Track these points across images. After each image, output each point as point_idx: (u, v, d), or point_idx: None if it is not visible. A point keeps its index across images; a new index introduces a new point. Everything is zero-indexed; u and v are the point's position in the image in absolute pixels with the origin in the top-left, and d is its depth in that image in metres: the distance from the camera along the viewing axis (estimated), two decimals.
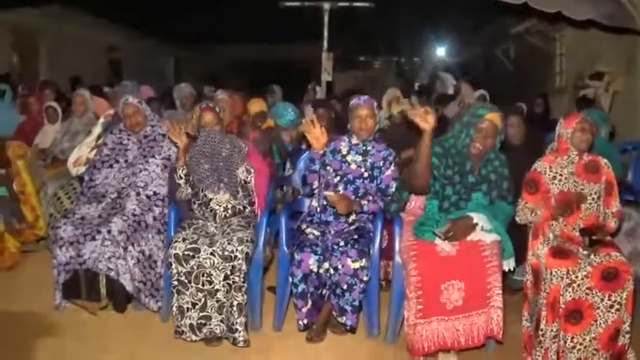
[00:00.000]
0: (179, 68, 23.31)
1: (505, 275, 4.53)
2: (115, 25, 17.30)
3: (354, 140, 5.12)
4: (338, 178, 5.05)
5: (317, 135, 5.03)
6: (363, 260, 4.55)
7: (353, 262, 4.52)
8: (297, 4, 11.91)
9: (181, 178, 5.09)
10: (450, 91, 12.12)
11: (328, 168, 5.09)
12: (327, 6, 11.44)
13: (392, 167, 5.04)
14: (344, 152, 5.11)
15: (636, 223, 5.70)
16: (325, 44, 11.52)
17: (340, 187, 5.01)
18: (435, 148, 4.62)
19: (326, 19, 11.53)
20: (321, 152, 5.06)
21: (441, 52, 21.56)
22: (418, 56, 22.52)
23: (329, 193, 4.81)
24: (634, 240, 5.64)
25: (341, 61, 19.07)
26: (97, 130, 6.50)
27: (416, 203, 4.98)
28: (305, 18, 12.64)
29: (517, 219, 4.80)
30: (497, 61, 17.62)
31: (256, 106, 7.54)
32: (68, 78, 12.68)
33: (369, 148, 5.10)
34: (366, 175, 5.03)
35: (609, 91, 11.51)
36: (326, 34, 11.59)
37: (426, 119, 4.39)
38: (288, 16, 12.90)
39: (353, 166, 5.05)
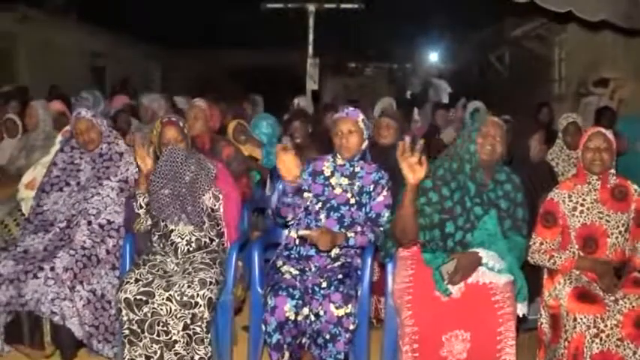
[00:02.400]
0: (167, 75, 22.74)
1: (518, 317, 3.83)
2: (99, 30, 16.78)
3: (339, 160, 4.42)
4: (320, 204, 4.34)
5: (288, 164, 4.22)
6: (349, 306, 3.83)
7: (337, 308, 3.81)
8: (279, 5, 11.29)
9: (141, 207, 4.37)
10: (445, 99, 11.61)
11: (306, 195, 4.37)
12: (312, 8, 10.81)
13: (384, 192, 4.31)
14: (327, 174, 4.42)
15: None
16: (310, 50, 10.88)
17: (322, 216, 4.31)
18: (423, 183, 3.90)
19: (311, 22, 10.92)
20: (296, 184, 4.28)
21: (434, 57, 21.11)
22: (411, 62, 22.05)
23: (305, 232, 4.08)
24: None
25: (331, 67, 18.56)
26: (56, 148, 5.82)
27: None
28: (295, 22, 12.19)
29: (530, 259, 4.15)
30: (491, 68, 17.14)
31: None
32: (49, 86, 12.09)
33: (358, 169, 4.40)
34: (352, 201, 4.31)
35: (615, 99, 10.98)
36: (311, 38, 10.99)
37: (414, 170, 3.70)
38: (279, 20, 12.45)
39: (337, 191, 4.35)
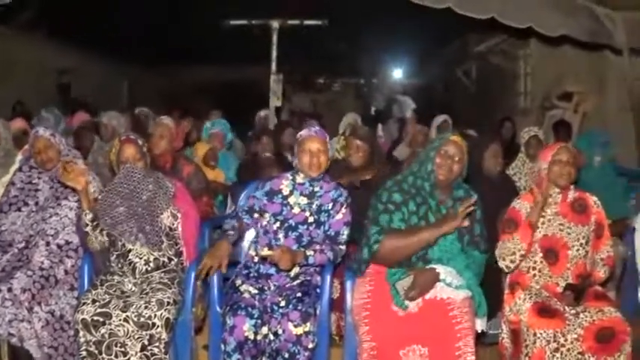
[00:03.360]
0: (133, 91, 22.56)
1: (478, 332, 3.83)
2: (65, 46, 16.61)
3: (300, 179, 4.37)
4: (278, 224, 4.30)
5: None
6: (308, 324, 3.83)
7: (295, 327, 3.81)
8: (243, 22, 11.24)
9: (87, 225, 4.28)
10: (409, 115, 11.60)
11: (265, 216, 4.37)
12: (275, 24, 10.77)
13: (343, 210, 4.31)
14: (285, 193, 4.38)
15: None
16: (274, 66, 10.81)
17: (281, 235, 4.27)
18: (393, 196, 3.98)
19: (275, 38, 10.83)
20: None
21: (399, 73, 21.12)
22: (377, 78, 22.06)
23: (265, 252, 4.04)
24: None
25: (298, 83, 18.57)
26: (15, 167, 5.74)
27: None
28: (261, 39, 12.14)
29: (501, 263, 4.14)
30: (458, 82, 17.21)
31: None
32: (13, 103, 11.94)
33: (317, 188, 4.36)
34: (311, 219, 4.29)
35: (579, 112, 11.08)
36: (275, 55, 10.89)
37: (451, 225, 3.77)
38: (246, 36, 12.38)
39: (296, 210, 4.32)
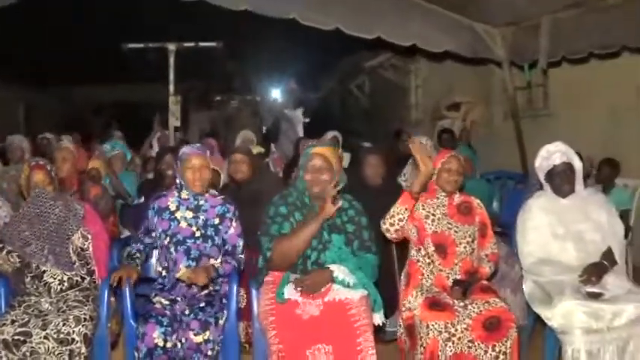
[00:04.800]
0: (30, 115, 22.10)
1: (377, 327, 4.13)
2: None
3: (184, 194, 4.62)
4: (168, 239, 4.52)
5: None
6: (207, 333, 4.10)
7: (195, 335, 4.08)
8: (140, 45, 11.31)
9: None
10: (300, 131, 11.74)
11: (154, 234, 4.61)
12: (172, 47, 10.90)
13: (234, 224, 4.61)
14: (172, 209, 4.61)
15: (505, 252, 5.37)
16: (172, 88, 10.89)
17: (172, 249, 4.49)
18: (280, 209, 4.30)
19: (171, 60, 10.92)
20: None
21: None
22: (272, 94, 22.18)
23: (181, 274, 4.30)
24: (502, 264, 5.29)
25: (196, 101, 18.60)
26: None
27: None
28: (158, 60, 12.14)
29: (383, 228, 4.43)
30: (352, 96, 17.52)
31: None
32: None
33: (202, 202, 4.62)
34: (198, 234, 4.52)
35: (467, 120, 11.59)
36: (172, 76, 10.97)
37: (328, 209, 4.12)
38: (145, 57, 12.37)
39: (183, 224, 4.55)
